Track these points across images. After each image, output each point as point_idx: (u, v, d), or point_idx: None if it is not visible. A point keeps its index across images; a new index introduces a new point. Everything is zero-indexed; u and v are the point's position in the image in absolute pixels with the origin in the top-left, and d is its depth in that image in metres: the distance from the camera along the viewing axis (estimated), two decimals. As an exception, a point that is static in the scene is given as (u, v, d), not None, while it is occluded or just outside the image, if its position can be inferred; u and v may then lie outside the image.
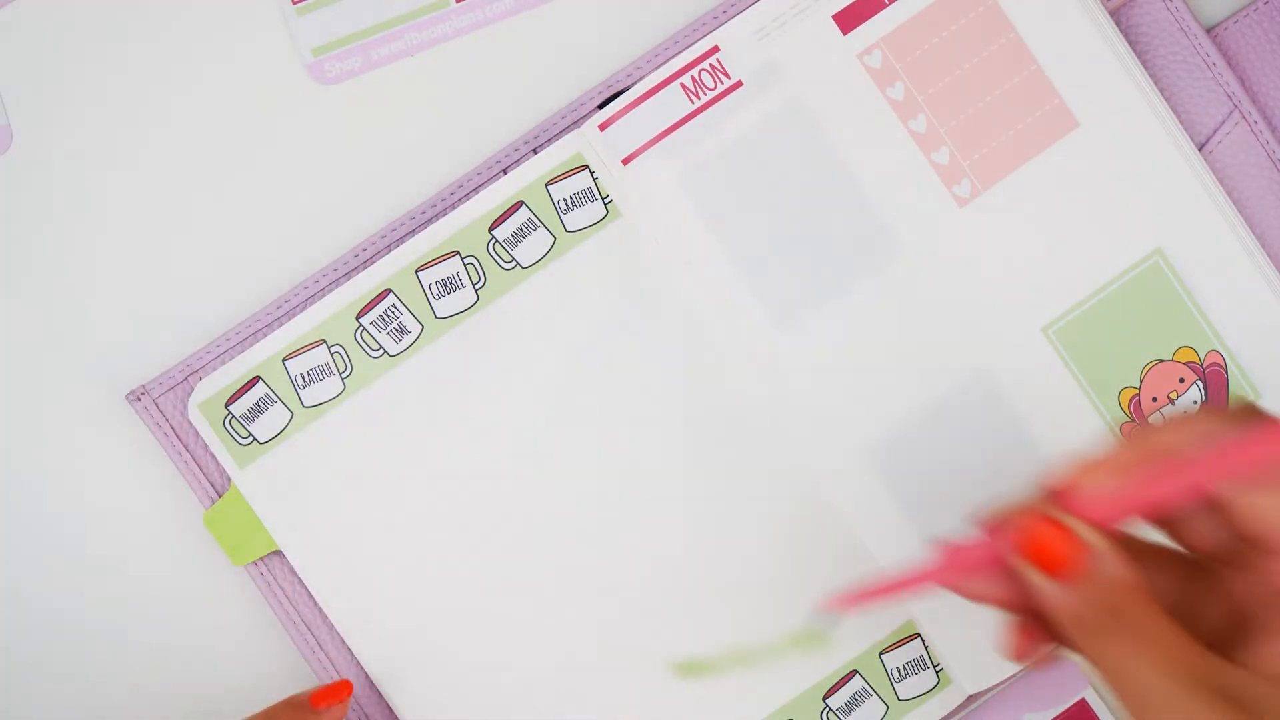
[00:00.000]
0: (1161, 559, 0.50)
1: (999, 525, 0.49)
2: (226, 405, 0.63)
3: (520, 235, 0.64)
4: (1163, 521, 0.49)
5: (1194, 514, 0.49)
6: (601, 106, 0.65)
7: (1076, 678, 0.66)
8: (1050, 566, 0.47)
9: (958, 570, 0.50)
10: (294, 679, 0.66)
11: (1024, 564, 0.47)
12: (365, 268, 0.64)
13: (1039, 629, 0.50)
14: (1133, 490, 0.47)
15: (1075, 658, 0.48)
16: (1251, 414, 0.48)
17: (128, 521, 0.65)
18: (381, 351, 0.64)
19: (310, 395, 0.64)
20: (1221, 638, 0.47)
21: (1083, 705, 0.66)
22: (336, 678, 0.65)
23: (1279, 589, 0.47)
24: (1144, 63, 0.66)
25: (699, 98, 0.64)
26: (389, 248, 0.65)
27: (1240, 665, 0.46)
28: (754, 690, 0.64)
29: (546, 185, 0.64)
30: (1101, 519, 0.47)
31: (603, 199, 0.64)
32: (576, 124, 0.65)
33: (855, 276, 0.64)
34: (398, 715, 0.64)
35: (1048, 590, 0.47)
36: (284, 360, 0.64)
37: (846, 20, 0.65)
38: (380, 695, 0.65)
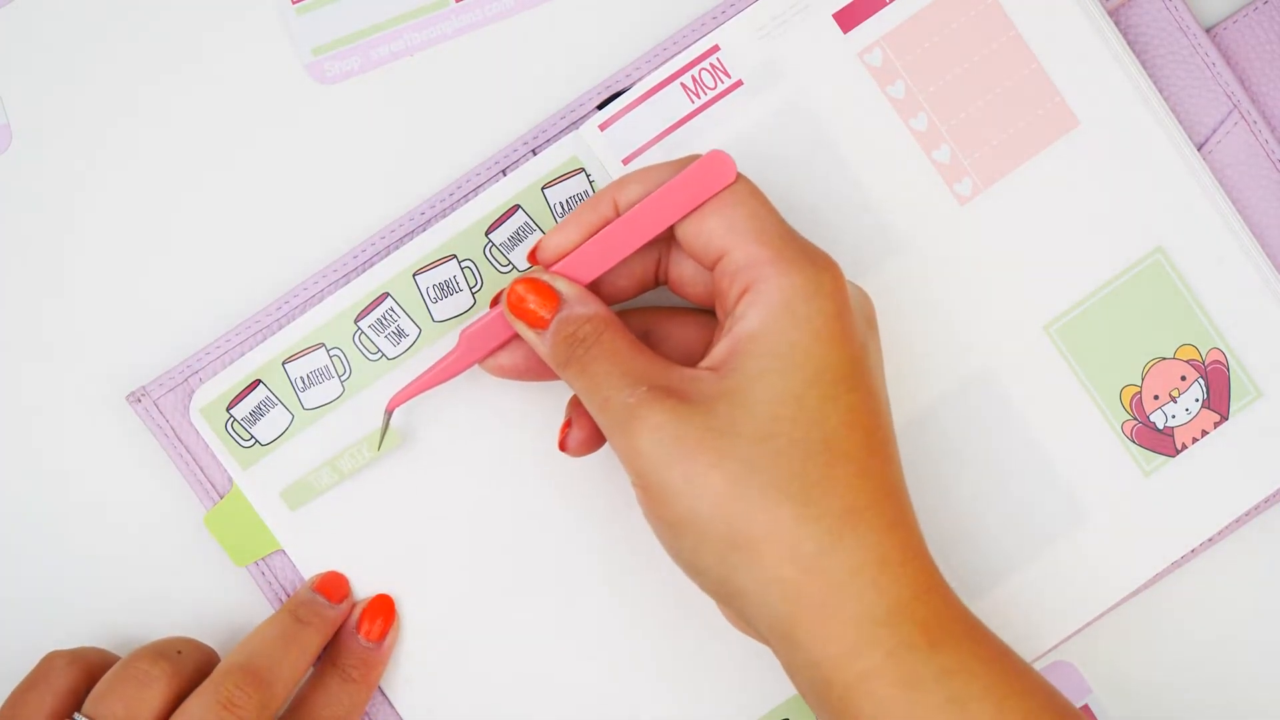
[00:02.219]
0: (676, 315, 0.60)
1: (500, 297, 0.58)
2: (228, 409, 0.64)
3: (517, 239, 0.64)
4: (674, 286, 0.59)
5: (686, 271, 0.59)
6: (601, 106, 0.65)
7: (1080, 683, 0.66)
8: (534, 320, 0.56)
9: (478, 346, 0.59)
10: (296, 679, 0.66)
11: (516, 322, 0.57)
12: (363, 271, 0.65)
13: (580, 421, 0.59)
14: (596, 242, 0.57)
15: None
16: (690, 159, 0.57)
17: (127, 522, 0.65)
18: (380, 354, 0.64)
19: (310, 398, 0.64)
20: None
21: (1085, 711, 0.66)
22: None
23: (725, 297, 0.55)
24: (1143, 62, 0.65)
25: (699, 97, 0.64)
26: (387, 250, 0.65)
27: (696, 365, 0.55)
28: (749, 690, 0.64)
29: (543, 189, 0.64)
30: (575, 271, 0.57)
31: (601, 201, 0.64)
32: (576, 124, 0.65)
33: (856, 275, 0.64)
34: (401, 716, 0.65)
35: (532, 339, 0.57)
36: (284, 363, 0.64)
37: (847, 19, 0.64)
38: (384, 695, 0.65)
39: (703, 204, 0.56)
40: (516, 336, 0.59)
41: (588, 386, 0.55)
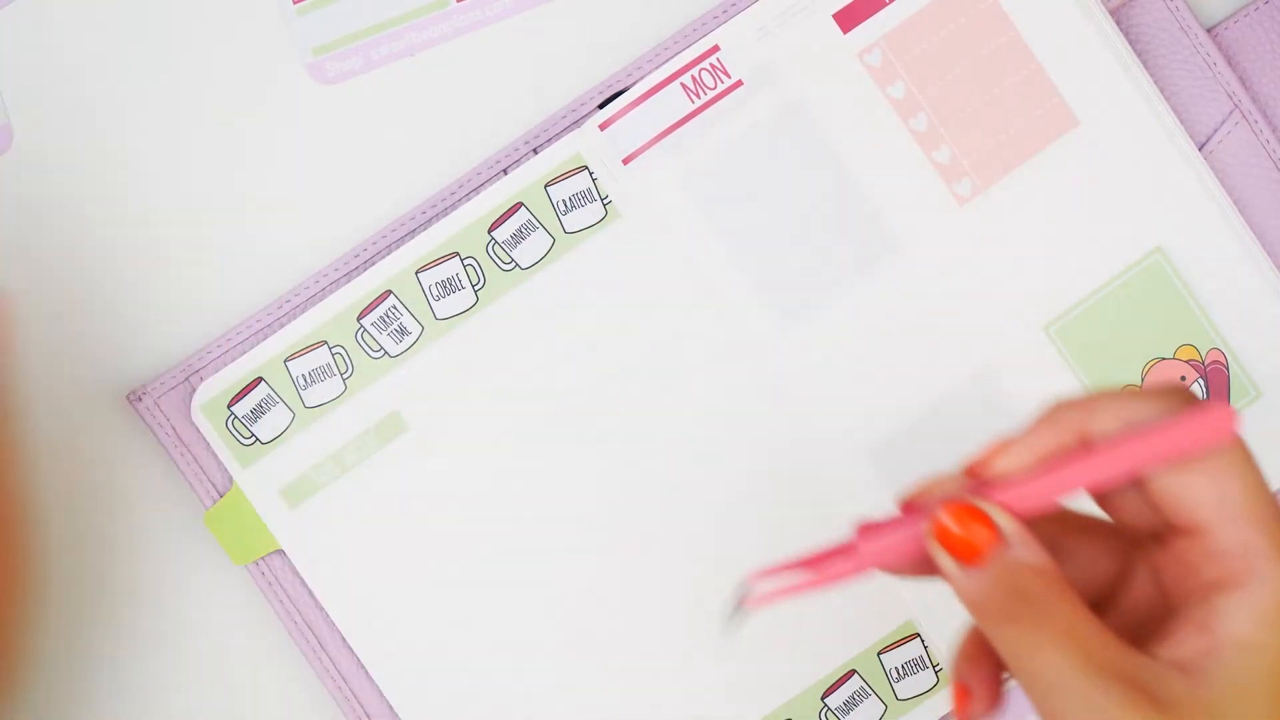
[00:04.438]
0: (1085, 528, 0.49)
1: (917, 506, 0.48)
2: (229, 406, 0.64)
3: (519, 237, 0.64)
4: (1097, 495, 0.48)
5: (1127, 493, 0.48)
6: (602, 106, 0.65)
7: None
8: (962, 552, 0.46)
9: (878, 562, 0.48)
10: (295, 679, 0.66)
11: (936, 548, 0.46)
12: (366, 269, 0.65)
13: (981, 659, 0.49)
14: (1053, 477, 0.46)
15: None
16: (1175, 396, 0.47)
17: (128, 521, 0.65)
18: (382, 352, 0.64)
19: (312, 396, 0.64)
20: (1144, 616, 0.47)
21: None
22: (337, 678, 0.65)
23: (1194, 573, 0.46)
24: (1144, 62, 0.65)
25: (699, 97, 0.64)
26: (389, 248, 0.65)
27: (1153, 651, 0.45)
28: (752, 689, 0.64)
29: (545, 186, 0.64)
30: (1017, 503, 0.46)
31: (602, 200, 0.64)
32: (577, 124, 0.65)
33: (856, 275, 0.64)
34: (398, 715, 0.64)
35: (955, 575, 0.46)
36: (286, 361, 0.64)
37: (847, 19, 0.65)
38: (382, 695, 0.65)
39: (1186, 457, 0.46)
40: (913, 543, 0.48)
41: (1024, 657, 0.45)
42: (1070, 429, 0.47)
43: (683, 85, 0.64)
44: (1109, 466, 0.46)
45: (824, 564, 0.48)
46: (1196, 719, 0.44)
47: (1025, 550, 0.46)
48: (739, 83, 0.64)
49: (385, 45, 0.66)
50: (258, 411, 0.64)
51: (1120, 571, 0.48)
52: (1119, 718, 0.43)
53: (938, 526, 0.46)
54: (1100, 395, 0.47)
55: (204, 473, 0.64)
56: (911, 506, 0.48)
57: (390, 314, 0.64)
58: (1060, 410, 0.47)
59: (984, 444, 0.47)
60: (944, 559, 0.46)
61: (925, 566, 0.47)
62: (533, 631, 0.64)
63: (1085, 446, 0.46)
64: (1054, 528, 0.49)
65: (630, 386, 0.64)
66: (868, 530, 0.48)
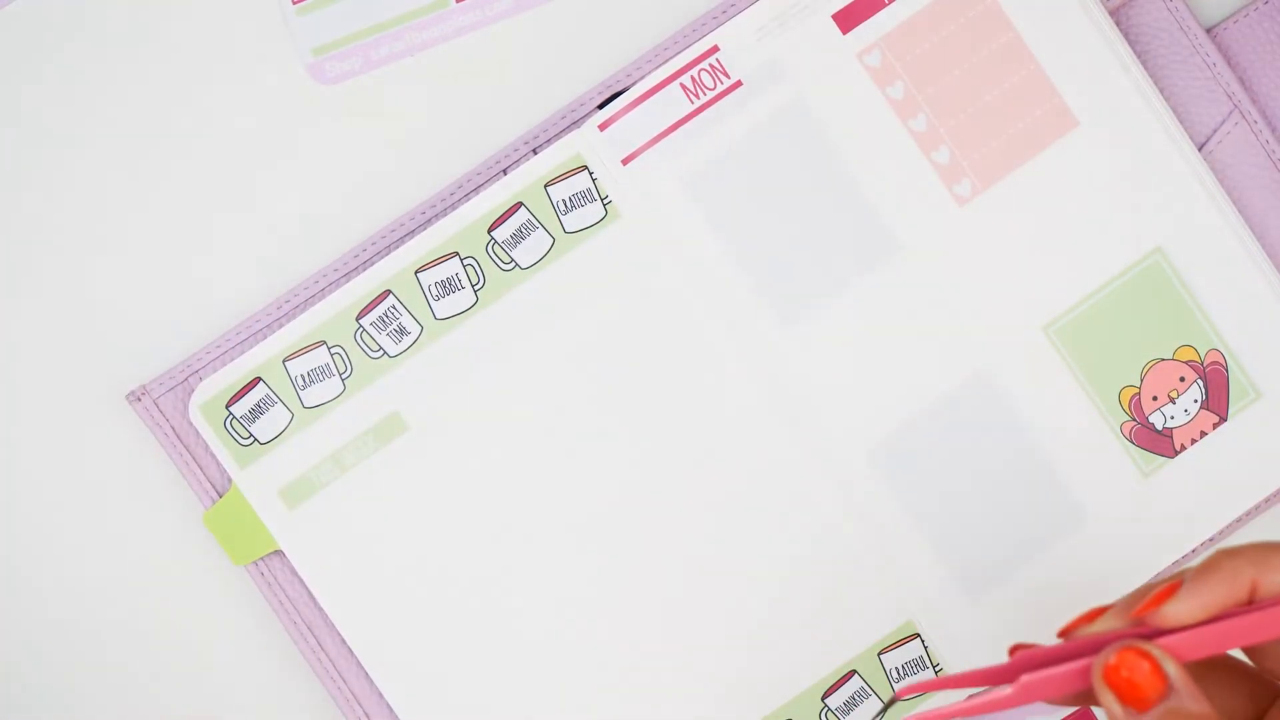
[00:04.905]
0: (1226, 669, 0.49)
1: (1082, 643, 0.48)
2: (227, 406, 0.64)
3: (519, 236, 0.64)
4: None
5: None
6: (601, 107, 0.65)
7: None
8: (1128, 695, 0.46)
9: (1036, 694, 0.48)
10: (294, 679, 0.66)
11: (1104, 689, 0.47)
12: (365, 269, 0.65)
13: None
14: (1220, 628, 0.46)
15: None
16: None
17: (127, 521, 0.65)
18: (381, 352, 0.64)
19: (310, 396, 0.64)
20: None
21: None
22: (336, 677, 0.65)
23: None
24: (1144, 62, 0.65)
25: (699, 98, 0.64)
26: (389, 248, 0.65)
27: None
28: (753, 690, 0.64)
29: (545, 186, 0.64)
30: (1181, 649, 0.47)
31: (602, 200, 0.64)
32: (576, 124, 0.65)
33: (855, 276, 0.64)
34: (397, 715, 0.64)
35: (1118, 713, 0.47)
36: (284, 361, 0.64)
37: (846, 20, 0.65)
38: (381, 696, 0.65)
39: None
40: (1076, 679, 0.49)
41: None
42: (1240, 582, 0.47)
43: (682, 85, 0.64)
44: (1277, 626, 0.46)
45: (978, 686, 0.49)
46: None
47: (1191, 701, 0.46)
48: (738, 83, 0.64)
49: (385, 45, 0.66)
50: (256, 412, 0.64)
51: (1257, 713, 0.49)
52: None
53: (1108, 668, 0.46)
54: (1270, 547, 0.47)
55: (203, 473, 0.64)
56: (1067, 634, 0.49)
57: (389, 314, 0.64)
58: (1229, 560, 0.47)
59: (1146, 586, 0.48)
60: (1110, 700, 0.47)
61: (1079, 699, 0.48)
62: (533, 631, 0.64)
63: (1251, 600, 0.47)
64: (1197, 664, 0.49)
65: (630, 387, 0.64)
66: (1023, 655, 0.48)
